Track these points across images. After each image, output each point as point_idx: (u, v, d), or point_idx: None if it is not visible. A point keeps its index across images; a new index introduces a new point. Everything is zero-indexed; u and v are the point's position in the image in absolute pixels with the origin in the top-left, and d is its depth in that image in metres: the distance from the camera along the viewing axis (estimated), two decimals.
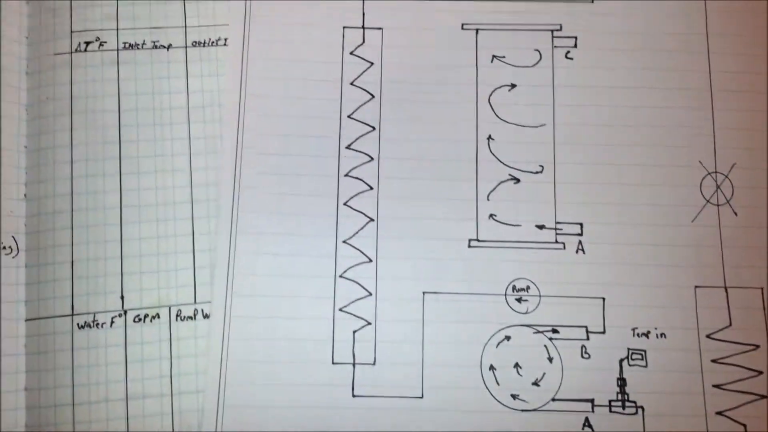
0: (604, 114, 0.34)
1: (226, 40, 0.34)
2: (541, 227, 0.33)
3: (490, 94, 0.34)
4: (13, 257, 0.31)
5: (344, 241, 0.32)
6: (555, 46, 0.34)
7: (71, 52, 0.33)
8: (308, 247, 0.32)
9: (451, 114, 0.34)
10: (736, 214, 0.33)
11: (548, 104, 0.34)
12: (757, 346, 0.32)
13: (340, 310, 0.32)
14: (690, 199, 0.33)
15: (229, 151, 0.33)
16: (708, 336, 0.32)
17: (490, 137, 0.33)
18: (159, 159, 0.32)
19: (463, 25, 0.34)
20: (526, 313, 0.32)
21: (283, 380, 0.31)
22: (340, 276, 0.32)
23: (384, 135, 0.33)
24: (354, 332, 0.32)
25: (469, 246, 0.33)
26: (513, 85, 0.34)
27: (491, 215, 0.33)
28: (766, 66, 0.34)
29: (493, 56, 0.34)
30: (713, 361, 0.32)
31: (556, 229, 0.33)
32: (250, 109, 0.33)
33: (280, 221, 0.32)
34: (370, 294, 0.32)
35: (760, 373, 0.31)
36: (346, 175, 0.33)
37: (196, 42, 0.34)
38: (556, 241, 0.33)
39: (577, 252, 0.33)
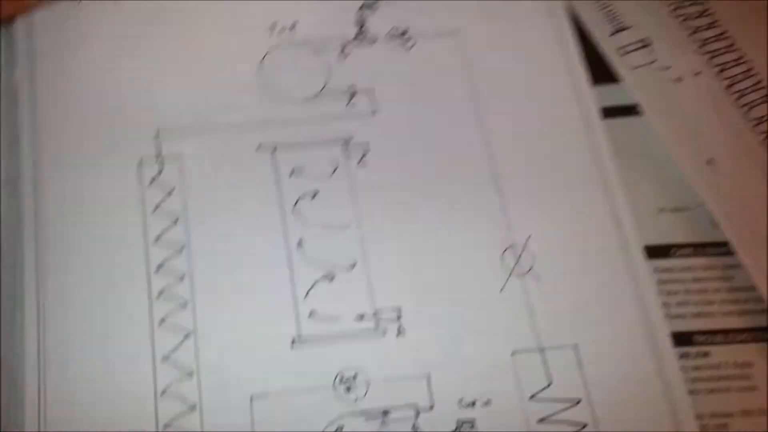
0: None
1: None
2: (361, 317, 0.34)
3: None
4: None
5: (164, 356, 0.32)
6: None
7: None
8: None
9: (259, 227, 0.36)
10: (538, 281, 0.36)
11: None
12: (579, 401, 0.33)
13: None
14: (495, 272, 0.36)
15: None
16: (531, 397, 0.33)
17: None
18: None
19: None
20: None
21: None
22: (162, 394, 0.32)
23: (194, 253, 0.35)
24: None
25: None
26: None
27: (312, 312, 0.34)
28: None
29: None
30: (539, 420, 0.33)
31: (375, 316, 0.34)
32: None
33: None
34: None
35: (585, 425, 0.33)
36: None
37: None
38: (377, 328, 0.34)
39: (398, 336, 0.34)
